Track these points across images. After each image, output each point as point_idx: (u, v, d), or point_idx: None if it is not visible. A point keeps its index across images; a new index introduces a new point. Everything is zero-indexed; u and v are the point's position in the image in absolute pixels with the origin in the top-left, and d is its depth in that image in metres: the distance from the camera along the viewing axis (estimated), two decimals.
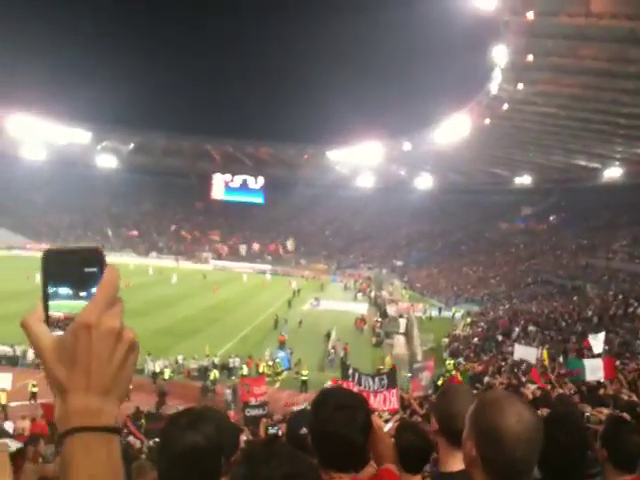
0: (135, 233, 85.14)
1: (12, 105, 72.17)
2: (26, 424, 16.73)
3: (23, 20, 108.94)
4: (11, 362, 26.80)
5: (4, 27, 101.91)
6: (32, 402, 21.30)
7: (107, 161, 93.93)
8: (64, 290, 0.90)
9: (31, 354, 26.97)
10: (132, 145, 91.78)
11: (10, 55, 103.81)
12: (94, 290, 0.88)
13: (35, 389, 21.83)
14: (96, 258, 0.91)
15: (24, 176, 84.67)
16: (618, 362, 16.55)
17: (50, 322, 0.90)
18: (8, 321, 32.14)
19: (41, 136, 79.85)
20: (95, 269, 0.90)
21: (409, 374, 21.22)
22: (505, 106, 50.23)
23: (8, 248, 71.87)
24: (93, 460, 0.86)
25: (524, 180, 79.99)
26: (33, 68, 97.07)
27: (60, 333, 0.89)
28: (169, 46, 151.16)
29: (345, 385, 15.16)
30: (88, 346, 0.86)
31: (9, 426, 16.53)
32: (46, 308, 0.90)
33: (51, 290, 0.90)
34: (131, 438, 17.75)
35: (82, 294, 0.90)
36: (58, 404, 0.89)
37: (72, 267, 0.90)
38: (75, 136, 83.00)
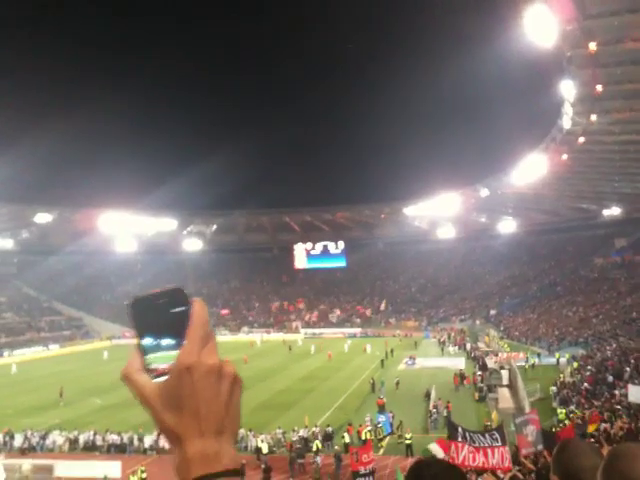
0: (226, 312, 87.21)
1: (103, 204, 77.40)
2: None
3: (105, 125, 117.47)
4: (120, 450, 27.47)
5: (88, 134, 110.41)
6: None
7: (193, 244, 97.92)
8: (165, 341, 0.89)
9: (137, 441, 27.70)
10: (215, 226, 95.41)
11: (96, 158, 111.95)
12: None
13: (144, 475, 22.17)
14: (180, 297, 0.91)
15: (118, 268, 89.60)
16: None
17: (152, 374, 0.89)
18: (116, 410, 33.52)
19: (131, 229, 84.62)
20: (183, 308, 0.89)
21: (513, 429, 20.22)
22: (581, 139, 48.89)
23: (109, 338, 75.44)
24: None
25: (613, 211, 76.52)
26: (117, 167, 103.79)
27: (160, 380, 0.88)
28: (237, 131, 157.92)
29: (453, 446, 14.60)
30: (192, 388, 0.85)
31: None
32: (142, 356, 0.89)
33: (151, 343, 0.89)
34: None
35: (180, 342, 0.88)
36: (176, 452, 0.87)
37: (159, 310, 0.89)
38: (162, 225, 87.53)
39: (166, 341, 0.89)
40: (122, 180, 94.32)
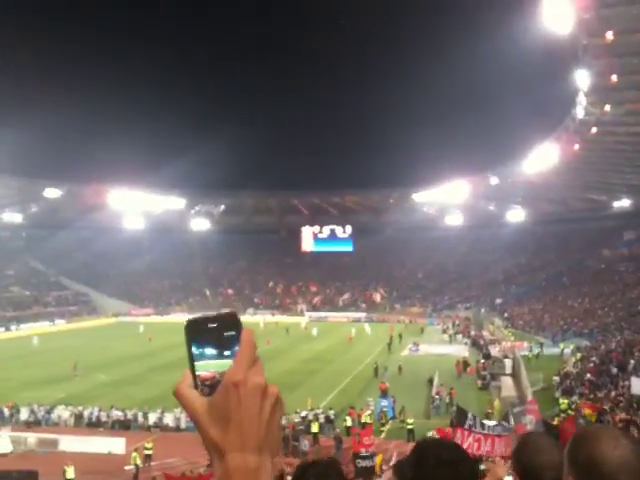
0: (230, 292, 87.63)
1: (113, 181, 77.78)
2: None
3: (114, 102, 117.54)
4: (124, 426, 27.76)
5: (97, 110, 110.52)
6: (147, 464, 21.93)
7: (201, 224, 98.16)
8: (209, 350, 0.95)
9: (141, 418, 28.01)
10: (223, 207, 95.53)
11: (106, 134, 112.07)
12: (236, 349, 0.94)
13: (150, 451, 22.41)
14: (233, 322, 0.96)
15: (126, 245, 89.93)
16: None
17: (198, 384, 0.94)
18: (121, 386, 33.85)
19: (140, 207, 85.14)
20: (233, 332, 0.95)
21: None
22: (594, 129, 48.42)
23: (115, 315, 76.01)
24: None
25: (623, 203, 75.92)
26: (129, 145, 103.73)
27: (207, 397, 0.92)
28: (249, 111, 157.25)
29: (459, 432, 14.54)
30: (238, 404, 0.89)
31: None
32: (193, 374, 0.95)
33: (196, 352, 0.95)
34: None
35: (226, 353, 0.94)
36: (217, 465, 0.91)
37: (213, 332, 0.95)
38: (170, 203, 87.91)
39: (213, 351, 0.95)
40: (132, 157, 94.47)
